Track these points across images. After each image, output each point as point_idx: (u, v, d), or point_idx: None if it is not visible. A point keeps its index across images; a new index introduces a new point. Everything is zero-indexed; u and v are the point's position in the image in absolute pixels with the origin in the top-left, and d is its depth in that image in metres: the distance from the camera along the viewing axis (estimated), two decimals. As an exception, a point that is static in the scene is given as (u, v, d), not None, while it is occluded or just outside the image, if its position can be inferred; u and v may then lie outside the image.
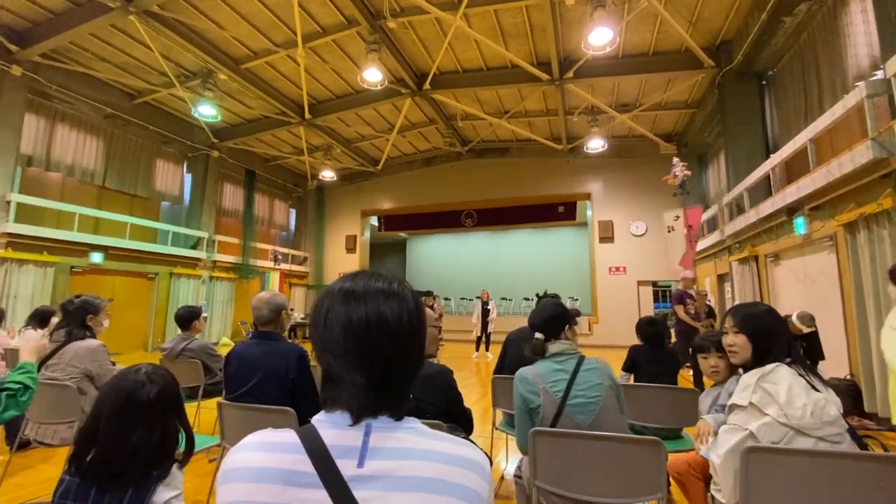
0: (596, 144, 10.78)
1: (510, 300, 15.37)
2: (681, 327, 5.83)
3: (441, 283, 16.95)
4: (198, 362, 3.50)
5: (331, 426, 0.67)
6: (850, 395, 4.32)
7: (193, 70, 9.04)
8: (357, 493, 0.61)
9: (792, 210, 5.65)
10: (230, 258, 12.25)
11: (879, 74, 4.40)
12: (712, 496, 1.76)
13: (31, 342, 1.70)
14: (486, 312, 9.47)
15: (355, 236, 15.33)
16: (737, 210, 7.68)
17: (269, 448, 0.66)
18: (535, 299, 3.35)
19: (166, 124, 10.74)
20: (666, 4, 6.81)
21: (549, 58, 8.35)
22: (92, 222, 9.19)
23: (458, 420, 1.96)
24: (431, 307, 9.35)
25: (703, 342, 2.27)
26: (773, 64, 7.49)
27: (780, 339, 1.72)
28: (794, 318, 2.85)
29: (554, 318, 1.92)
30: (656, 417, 2.59)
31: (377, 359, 0.67)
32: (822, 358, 3.02)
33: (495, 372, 3.17)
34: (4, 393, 1.53)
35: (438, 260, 19.00)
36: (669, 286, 11.77)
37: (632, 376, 3.17)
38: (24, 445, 3.09)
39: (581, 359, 1.84)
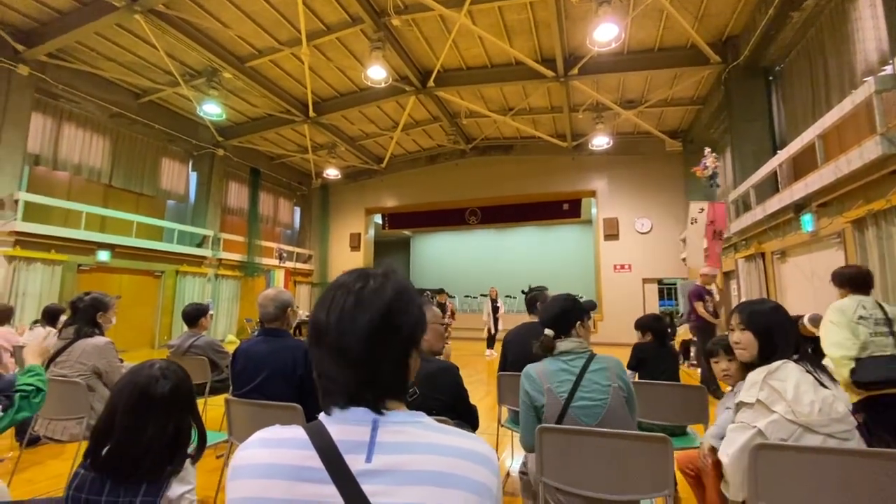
0: (601, 141, 10.73)
1: (514, 298, 15.36)
2: (700, 324, 5.59)
3: (445, 280, 16.93)
4: (205, 359, 3.52)
5: (338, 422, 0.67)
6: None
7: (198, 69, 9.07)
8: (366, 488, 0.61)
9: (799, 207, 5.60)
10: (235, 256, 12.31)
11: (888, 69, 4.35)
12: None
13: (33, 345, 1.72)
14: (495, 310, 9.50)
15: (359, 234, 15.36)
16: (743, 207, 7.63)
17: (278, 444, 0.67)
18: (525, 295, 3.32)
19: (172, 123, 10.79)
20: (672, 0, 6.76)
21: (554, 54, 8.31)
22: (99, 221, 9.26)
23: (463, 416, 1.96)
24: (443, 305, 9.41)
25: (712, 346, 2.25)
26: (780, 59, 7.42)
27: (787, 337, 1.70)
28: (805, 320, 2.78)
29: (564, 313, 1.84)
30: (662, 414, 2.59)
31: (362, 350, 0.67)
32: None
33: (499, 371, 3.17)
34: (18, 394, 1.56)
35: (442, 258, 19.00)
36: (675, 283, 11.72)
37: (636, 374, 3.17)
38: (34, 441, 3.12)
39: (590, 358, 1.76)
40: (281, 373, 2.14)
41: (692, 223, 6.51)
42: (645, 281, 12.05)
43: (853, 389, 2.60)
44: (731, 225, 7.87)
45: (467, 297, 16.01)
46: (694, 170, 6.67)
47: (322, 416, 0.69)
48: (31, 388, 1.58)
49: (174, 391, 1.27)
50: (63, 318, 3.83)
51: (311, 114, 10.51)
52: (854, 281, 2.99)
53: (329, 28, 8.05)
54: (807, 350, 1.71)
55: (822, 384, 1.57)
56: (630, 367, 3.19)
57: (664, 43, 8.26)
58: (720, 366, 2.17)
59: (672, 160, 11.95)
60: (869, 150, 4.02)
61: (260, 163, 13.55)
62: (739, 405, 1.64)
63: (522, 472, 1.99)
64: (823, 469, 1.44)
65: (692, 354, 7.76)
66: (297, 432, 0.67)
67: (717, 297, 5.83)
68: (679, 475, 2.04)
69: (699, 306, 5.58)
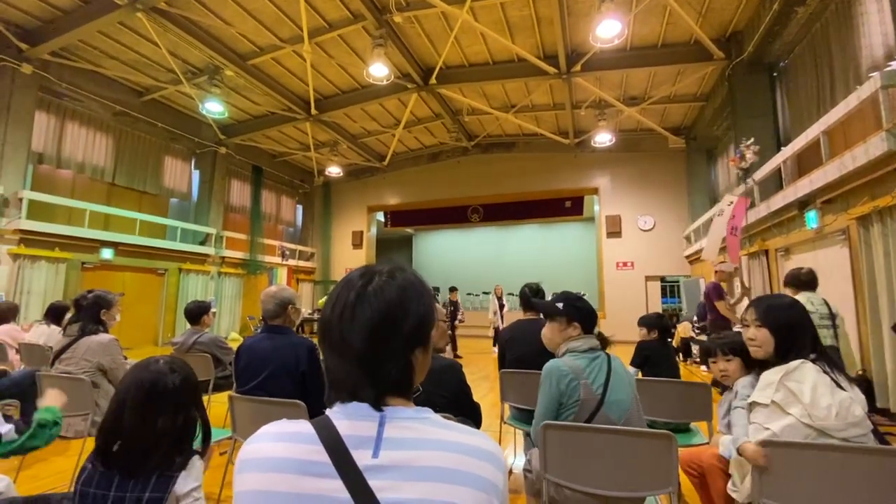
0: (603, 138, 10.68)
1: (516, 296, 15.33)
2: (721, 322, 5.21)
3: (447, 278, 16.89)
4: (208, 356, 3.54)
5: (345, 417, 0.67)
6: (862, 390, 4.27)
7: (200, 66, 9.08)
8: (372, 483, 0.61)
9: (803, 204, 5.57)
10: (238, 254, 12.34)
11: (894, 65, 4.32)
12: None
13: (55, 393, 1.78)
14: (501, 307, 9.52)
15: (362, 232, 15.37)
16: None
17: (285, 438, 0.67)
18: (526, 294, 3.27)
19: (174, 121, 10.81)
20: (675, -5, 6.72)
21: (557, 51, 8.28)
22: (102, 219, 9.29)
23: (466, 413, 1.97)
24: (455, 303, 9.45)
25: (709, 345, 2.24)
26: (784, 55, 7.37)
27: (804, 334, 1.64)
28: None
29: (591, 313, 1.91)
30: (667, 412, 2.58)
31: (345, 352, 0.68)
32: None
33: (499, 369, 3.17)
34: (37, 422, 1.58)
35: (445, 255, 19.01)
36: (678, 281, 11.69)
37: (639, 371, 3.18)
38: (40, 438, 3.14)
39: (609, 356, 1.82)
40: (284, 369, 2.14)
41: (718, 214, 6.21)
42: (647, 278, 12.02)
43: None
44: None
45: (469, 294, 16.00)
46: (731, 160, 6.27)
47: (329, 410, 0.69)
48: (48, 421, 1.61)
49: (183, 384, 1.29)
50: (68, 315, 3.85)
51: (313, 111, 10.50)
52: (807, 281, 3.52)
53: (331, 25, 8.03)
54: (825, 350, 1.66)
55: (839, 386, 1.52)
56: (635, 364, 3.20)
57: (667, 39, 8.21)
58: (718, 366, 2.15)
59: (675, 157, 11.91)
60: (874, 147, 3.99)
61: (262, 161, 13.57)
62: (753, 405, 1.60)
63: (527, 470, 1.99)
64: (830, 467, 1.43)
65: (694, 352, 7.75)
66: (305, 426, 0.67)
67: (738, 292, 5.59)
68: (681, 473, 2.04)
69: (721, 305, 5.21)
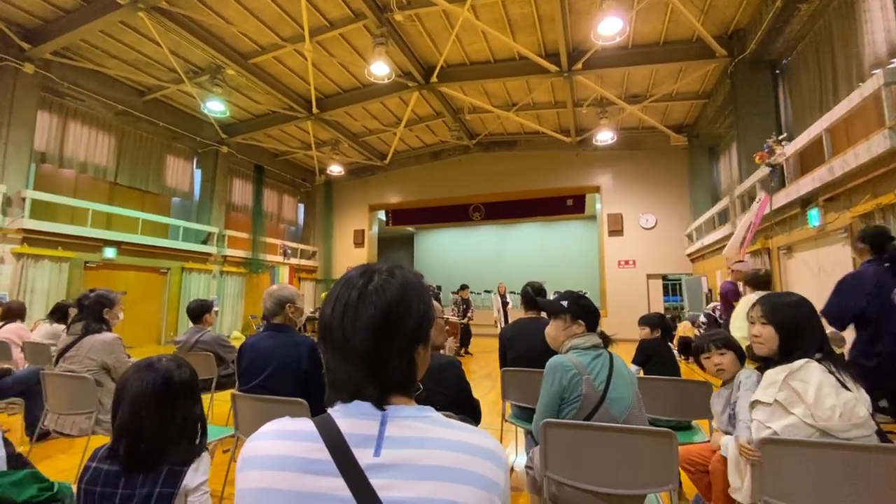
0: (605, 136, 10.66)
1: (516, 293, 15.33)
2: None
3: (449, 277, 16.96)
4: (211, 354, 3.55)
5: (347, 415, 0.68)
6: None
7: (202, 66, 9.08)
8: (374, 482, 0.61)
9: (806, 202, 5.55)
10: (240, 253, 12.36)
11: (898, 62, 4.29)
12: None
13: None
14: (504, 305, 9.54)
15: (363, 231, 15.38)
16: (749, 202, 7.57)
17: (287, 436, 0.67)
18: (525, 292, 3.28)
19: (176, 120, 10.82)
20: (677, -7, 6.69)
21: (558, 49, 8.26)
22: (105, 218, 9.32)
23: (466, 410, 1.98)
24: (467, 300, 9.45)
25: (700, 341, 2.24)
26: (787, 52, 7.33)
27: (810, 333, 1.63)
28: None
29: (595, 311, 1.94)
30: (668, 410, 2.59)
31: (345, 351, 0.68)
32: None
33: (500, 367, 3.17)
34: (44, 484, 1.43)
35: (446, 254, 19.01)
36: (679, 279, 11.67)
37: (641, 370, 3.19)
38: (44, 436, 3.17)
39: (611, 354, 1.85)
40: (286, 368, 2.15)
41: (744, 211, 6.06)
42: (649, 277, 12.01)
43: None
44: (737, 220, 7.82)
45: (471, 293, 16.00)
46: (757, 154, 5.94)
47: (330, 409, 0.70)
48: (52, 492, 1.44)
49: (192, 376, 1.33)
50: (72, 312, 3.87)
51: (315, 110, 10.50)
52: (765, 282, 3.87)
53: (332, 24, 8.03)
54: (831, 349, 1.63)
55: (844, 386, 1.51)
56: (637, 362, 3.22)
57: (669, 36, 8.18)
58: (712, 360, 2.15)
59: (677, 155, 11.87)
60: (877, 144, 3.97)
61: (264, 160, 13.58)
62: (755, 403, 1.60)
63: (528, 467, 1.99)
64: (830, 465, 1.43)
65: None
66: (306, 425, 0.68)
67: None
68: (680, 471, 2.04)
69: None
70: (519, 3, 7.44)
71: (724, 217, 8.88)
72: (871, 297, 2.63)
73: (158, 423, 1.21)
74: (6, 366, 3.70)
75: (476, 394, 2.18)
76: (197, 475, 1.22)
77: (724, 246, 8.99)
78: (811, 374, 1.52)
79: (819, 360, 1.56)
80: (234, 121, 11.63)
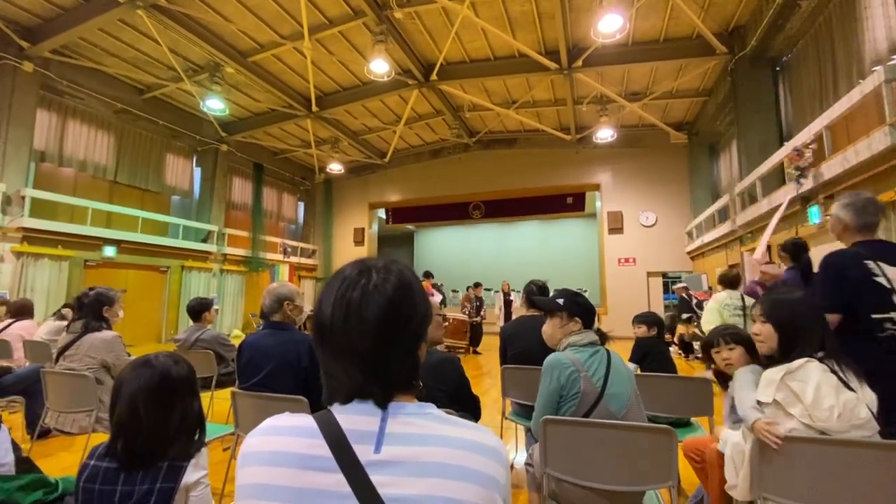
0: (605, 134, 10.65)
1: (518, 291, 15.35)
2: None
3: (449, 275, 16.96)
4: (210, 353, 3.55)
5: (347, 412, 0.67)
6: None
7: (201, 64, 9.07)
8: (374, 478, 0.61)
9: (806, 199, 5.55)
10: (240, 251, 12.36)
11: (898, 58, 4.28)
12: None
13: None
14: (508, 303, 9.53)
15: (363, 229, 15.38)
16: (749, 199, 7.57)
17: (287, 432, 0.67)
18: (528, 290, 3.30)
19: (175, 119, 10.81)
20: (677, -11, 6.67)
21: (558, 46, 8.24)
22: (104, 217, 9.31)
23: (466, 406, 1.98)
24: (480, 298, 9.49)
25: (711, 336, 2.24)
26: (787, 50, 7.32)
27: (810, 331, 1.60)
28: None
29: (591, 308, 1.95)
30: (668, 407, 2.59)
31: (347, 349, 0.67)
32: None
33: (501, 364, 3.18)
34: (49, 482, 1.47)
35: (446, 252, 19.01)
36: (679, 277, 11.67)
37: (638, 367, 3.21)
38: (45, 434, 3.17)
39: (608, 351, 1.85)
40: (286, 365, 2.16)
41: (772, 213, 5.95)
42: (649, 274, 12.01)
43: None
44: (737, 218, 7.82)
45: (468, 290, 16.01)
46: (789, 157, 5.80)
47: (331, 405, 0.70)
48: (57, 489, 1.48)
49: (190, 371, 1.33)
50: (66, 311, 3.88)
51: (314, 108, 10.49)
52: (732, 281, 4.47)
53: (331, 21, 8.01)
54: (835, 347, 1.60)
55: (847, 386, 1.49)
56: (634, 360, 3.24)
57: (669, 34, 8.16)
58: (721, 355, 2.14)
59: (677, 153, 11.86)
60: (877, 141, 3.97)
61: (263, 158, 13.57)
62: (758, 403, 1.60)
63: (528, 464, 2.00)
64: (829, 462, 1.43)
65: (696, 348, 7.76)
66: (306, 420, 0.68)
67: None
68: (684, 463, 2.05)
69: None
70: (519, 1, 7.43)
71: (723, 215, 8.88)
72: None
73: (156, 420, 1.21)
74: (7, 364, 3.70)
75: (476, 391, 2.18)
76: (197, 470, 1.23)
77: (724, 244, 9.00)
78: (810, 374, 1.51)
79: (821, 360, 1.53)
80: (234, 119, 11.62)
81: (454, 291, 16.00)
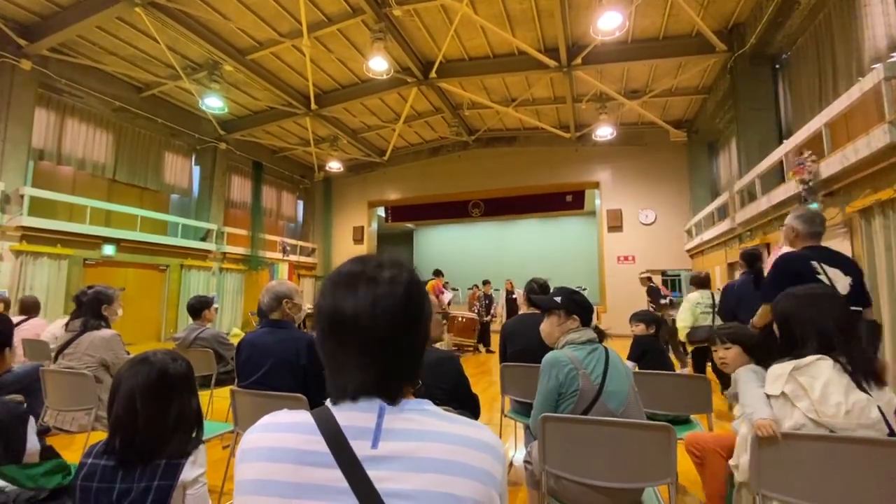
0: (604, 132, 10.64)
1: (519, 290, 15.37)
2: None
3: (449, 273, 16.89)
4: (210, 351, 3.55)
5: (345, 408, 0.68)
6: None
7: (199, 62, 9.04)
8: (371, 474, 0.62)
9: (805, 197, 5.54)
10: (239, 250, 12.35)
11: (898, 56, 4.28)
12: (731, 477, 1.75)
13: None
14: (511, 301, 9.54)
15: (363, 227, 15.37)
16: (748, 197, 7.57)
17: (285, 428, 0.67)
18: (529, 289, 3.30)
19: (174, 117, 10.79)
20: (677, -13, 6.66)
21: (557, 44, 8.22)
22: (103, 215, 9.30)
23: (464, 404, 1.98)
24: (490, 296, 9.57)
25: (710, 335, 2.28)
26: (787, 47, 7.31)
27: (806, 326, 1.60)
28: None
29: (588, 306, 1.96)
30: (667, 404, 2.60)
31: (381, 339, 0.67)
32: None
33: (500, 362, 3.19)
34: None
35: (446, 250, 19.00)
36: (679, 275, 11.68)
37: (636, 365, 3.23)
38: (44, 432, 3.16)
39: (606, 349, 1.86)
40: (285, 363, 2.16)
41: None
42: (649, 272, 12.00)
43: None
44: (736, 215, 7.82)
45: (471, 289, 16.01)
46: (793, 171, 5.73)
47: (328, 401, 0.70)
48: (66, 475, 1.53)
49: (188, 369, 1.33)
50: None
51: (313, 106, 10.47)
52: (704, 281, 5.03)
53: (330, 19, 7.99)
54: (850, 348, 1.55)
55: (860, 387, 1.47)
56: (632, 358, 3.25)
57: (669, 31, 8.15)
58: (717, 354, 2.17)
59: (676, 151, 11.85)
60: (877, 139, 3.97)
61: (262, 156, 13.55)
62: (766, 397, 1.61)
63: (527, 462, 2.00)
64: (830, 459, 1.44)
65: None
66: (304, 417, 0.68)
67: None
68: (682, 461, 2.06)
69: None
70: (518, -2, 7.41)
71: (723, 212, 8.88)
72: (735, 299, 3.85)
73: (153, 417, 1.21)
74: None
75: (476, 389, 2.18)
76: (194, 468, 1.23)
77: (723, 242, 9.00)
78: (820, 371, 1.50)
79: (835, 359, 1.52)
80: (233, 117, 11.59)
81: (454, 290, 16.02)
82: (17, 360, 3.92)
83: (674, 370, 3.24)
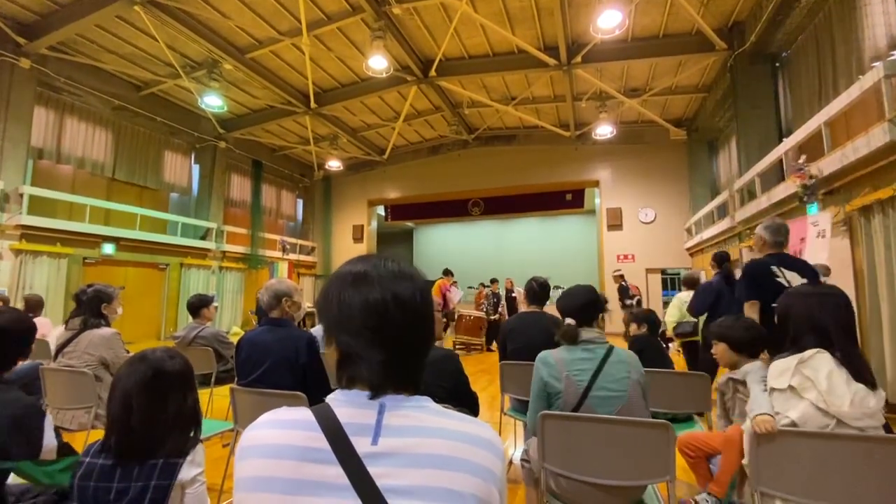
0: (604, 130, 10.63)
1: (519, 289, 15.37)
2: None
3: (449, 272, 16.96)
4: (210, 350, 3.55)
5: (345, 405, 0.68)
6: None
7: (199, 60, 9.03)
8: (371, 470, 0.62)
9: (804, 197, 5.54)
10: (239, 248, 12.35)
11: (898, 54, 4.28)
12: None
13: None
14: (511, 300, 9.54)
15: (362, 226, 15.37)
16: (748, 196, 7.57)
17: (285, 425, 0.67)
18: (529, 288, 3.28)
19: (173, 115, 10.78)
20: (677, -15, 6.65)
21: (557, 42, 8.21)
22: (103, 214, 9.30)
23: (464, 402, 1.98)
24: (498, 295, 9.62)
25: (694, 330, 2.35)
26: (787, 46, 7.30)
27: (804, 325, 1.64)
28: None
29: (588, 304, 1.86)
30: (667, 402, 2.60)
31: (393, 337, 0.69)
32: None
33: (500, 360, 3.19)
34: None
35: (446, 249, 19.00)
36: (678, 273, 11.69)
37: None
38: (44, 430, 3.16)
39: (610, 349, 1.77)
40: (285, 361, 2.16)
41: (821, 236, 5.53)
42: (648, 271, 12.02)
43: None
44: (736, 214, 7.82)
45: (471, 287, 16.01)
46: (794, 176, 5.56)
47: (329, 398, 0.70)
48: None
49: (185, 367, 1.32)
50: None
51: (313, 105, 10.46)
52: (693, 282, 5.23)
53: (329, 17, 7.97)
54: (846, 344, 1.61)
55: (855, 378, 1.53)
56: None
57: (669, 29, 8.14)
58: (715, 348, 2.25)
59: (676, 149, 11.85)
60: (876, 137, 3.97)
61: (262, 155, 13.54)
62: (771, 391, 1.63)
63: (524, 460, 2.00)
64: (828, 455, 1.44)
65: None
66: (304, 413, 0.68)
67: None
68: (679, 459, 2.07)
69: None
70: (518, -4, 7.40)
71: (723, 211, 8.88)
72: (716, 295, 4.16)
73: (148, 414, 1.20)
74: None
75: (476, 387, 2.19)
76: (192, 467, 1.22)
77: (723, 240, 9.00)
78: (821, 363, 1.55)
79: (832, 353, 1.58)
80: (232, 116, 11.58)
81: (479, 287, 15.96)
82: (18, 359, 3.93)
83: (673, 368, 3.23)
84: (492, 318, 9.14)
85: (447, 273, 9.24)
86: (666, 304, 11.42)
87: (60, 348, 2.78)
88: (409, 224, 19.10)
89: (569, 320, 1.84)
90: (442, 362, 1.96)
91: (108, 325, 2.88)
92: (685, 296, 5.12)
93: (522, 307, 3.49)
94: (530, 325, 3.01)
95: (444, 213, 15.48)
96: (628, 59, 8.65)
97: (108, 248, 9.04)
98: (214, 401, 3.70)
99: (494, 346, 9.08)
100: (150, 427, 1.20)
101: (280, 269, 13.76)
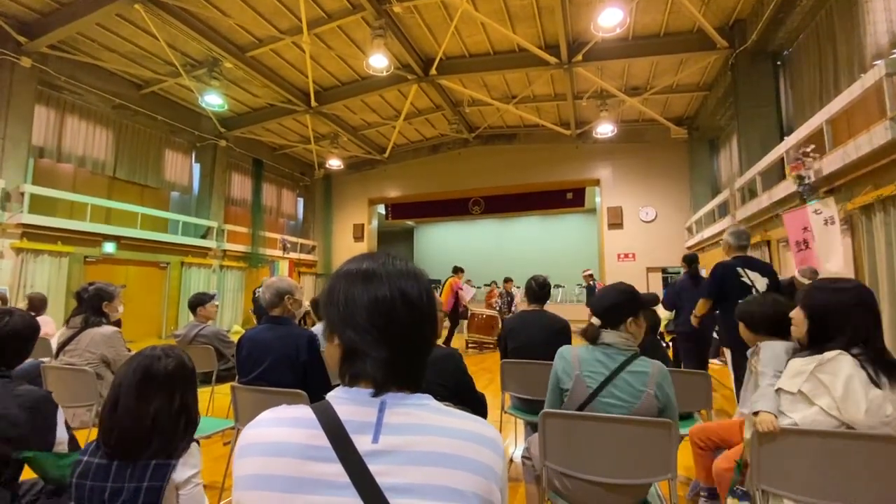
0: (605, 129, 10.61)
1: (518, 287, 15.35)
2: None
3: (449, 271, 16.95)
4: (210, 348, 3.56)
5: (346, 402, 0.68)
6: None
7: (199, 59, 9.03)
8: (372, 468, 0.62)
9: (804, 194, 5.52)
10: (240, 247, 12.36)
11: (900, 52, 4.26)
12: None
13: None
14: (511, 300, 9.55)
15: (363, 225, 15.37)
16: (749, 194, 7.56)
17: (286, 423, 0.67)
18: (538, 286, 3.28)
19: (174, 114, 10.77)
20: (678, -17, 6.63)
21: (558, 40, 8.20)
22: (104, 213, 9.31)
23: (468, 403, 1.98)
24: (510, 293, 9.75)
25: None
26: (788, 44, 7.28)
27: (843, 322, 1.55)
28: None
29: (615, 306, 1.74)
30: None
31: (399, 335, 0.69)
32: None
33: (501, 359, 3.19)
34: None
35: (446, 248, 19.00)
36: (679, 272, 11.67)
37: None
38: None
39: (632, 357, 1.66)
40: (285, 359, 2.16)
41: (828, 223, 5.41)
42: (649, 270, 12.01)
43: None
44: (737, 213, 7.81)
45: (488, 286, 16.05)
46: (792, 167, 5.52)
47: (330, 396, 0.70)
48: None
49: (177, 368, 1.30)
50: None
51: (313, 103, 10.45)
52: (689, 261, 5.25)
53: (330, 16, 7.96)
54: (875, 346, 1.54)
55: (875, 383, 1.47)
56: None
57: (670, 28, 8.12)
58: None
59: (677, 148, 11.84)
60: (878, 136, 3.95)
61: (262, 153, 13.54)
62: (779, 391, 1.60)
63: (525, 458, 2.00)
64: (828, 454, 1.44)
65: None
66: (305, 411, 0.68)
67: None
68: (683, 456, 2.07)
69: None
70: (518, -5, 7.38)
71: (724, 210, 8.87)
72: (681, 293, 4.55)
73: (134, 414, 1.20)
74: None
75: (476, 385, 2.19)
76: (186, 469, 1.22)
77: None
78: (841, 367, 1.48)
79: (855, 355, 1.50)
80: (233, 114, 11.58)
81: (476, 287, 15.96)
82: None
83: (671, 365, 3.23)
84: (506, 316, 9.16)
85: (457, 270, 9.16)
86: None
87: (62, 346, 2.78)
88: (410, 223, 19.10)
89: (594, 320, 1.77)
90: (443, 361, 1.96)
91: (109, 323, 2.88)
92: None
93: (523, 306, 3.49)
94: (530, 323, 3.02)
95: (445, 211, 15.46)
96: (629, 58, 8.63)
97: (109, 247, 9.05)
98: (215, 399, 3.70)
99: None
100: (134, 428, 1.19)
101: (281, 267, 13.77)
